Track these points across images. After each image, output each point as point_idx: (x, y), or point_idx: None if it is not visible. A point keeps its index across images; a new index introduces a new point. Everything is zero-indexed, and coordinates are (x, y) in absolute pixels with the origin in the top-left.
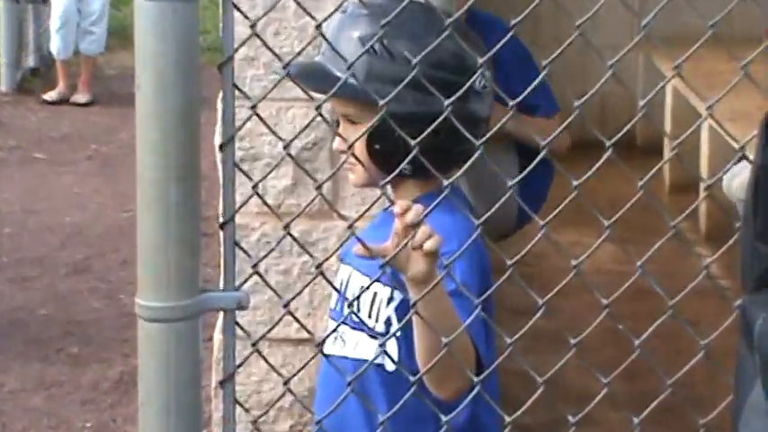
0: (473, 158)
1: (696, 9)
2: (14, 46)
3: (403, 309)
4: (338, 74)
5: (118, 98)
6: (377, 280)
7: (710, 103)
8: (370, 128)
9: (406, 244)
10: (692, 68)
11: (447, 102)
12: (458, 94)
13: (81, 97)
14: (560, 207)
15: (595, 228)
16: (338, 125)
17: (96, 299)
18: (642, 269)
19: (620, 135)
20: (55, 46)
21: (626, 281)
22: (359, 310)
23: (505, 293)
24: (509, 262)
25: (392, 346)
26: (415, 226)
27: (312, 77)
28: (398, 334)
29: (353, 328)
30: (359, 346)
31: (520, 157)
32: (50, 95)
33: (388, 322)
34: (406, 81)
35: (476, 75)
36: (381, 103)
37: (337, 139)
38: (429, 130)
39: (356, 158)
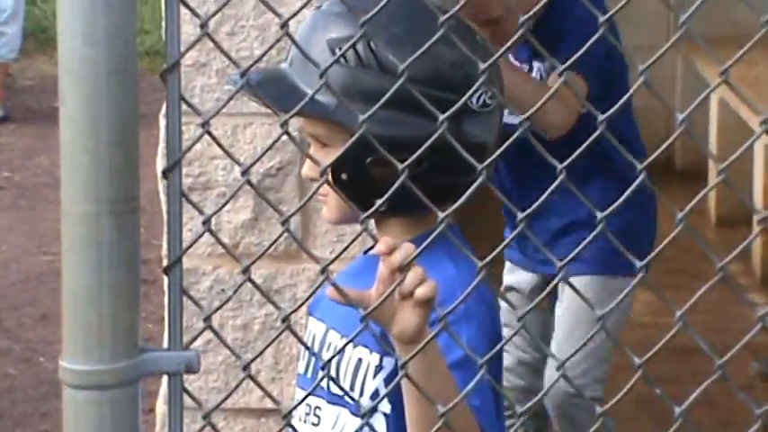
0: (473, 187)
1: (747, 2)
2: None
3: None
4: (305, 89)
5: (35, 114)
6: (351, 341)
7: (766, 117)
8: (339, 153)
9: (392, 291)
10: (742, 75)
11: (439, 121)
12: (447, 113)
13: None
14: (582, 245)
15: None
16: (309, 146)
17: (9, 362)
18: (683, 321)
19: (654, 156)
20: None
21: (664, 336)
22: (338, 380)
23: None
24: (519, 314)
25: (380, 425)
26: (404, 269)
27: (273, 92)
28: (387, 409)
29: (331, 403)
30: (338, 426)
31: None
32: None
33: (375, 396)
34: (384, 99)
35: (471, 90)
36: (361, 118)
37: (307, 163)
38: (412, 158)
39: (331, 187)
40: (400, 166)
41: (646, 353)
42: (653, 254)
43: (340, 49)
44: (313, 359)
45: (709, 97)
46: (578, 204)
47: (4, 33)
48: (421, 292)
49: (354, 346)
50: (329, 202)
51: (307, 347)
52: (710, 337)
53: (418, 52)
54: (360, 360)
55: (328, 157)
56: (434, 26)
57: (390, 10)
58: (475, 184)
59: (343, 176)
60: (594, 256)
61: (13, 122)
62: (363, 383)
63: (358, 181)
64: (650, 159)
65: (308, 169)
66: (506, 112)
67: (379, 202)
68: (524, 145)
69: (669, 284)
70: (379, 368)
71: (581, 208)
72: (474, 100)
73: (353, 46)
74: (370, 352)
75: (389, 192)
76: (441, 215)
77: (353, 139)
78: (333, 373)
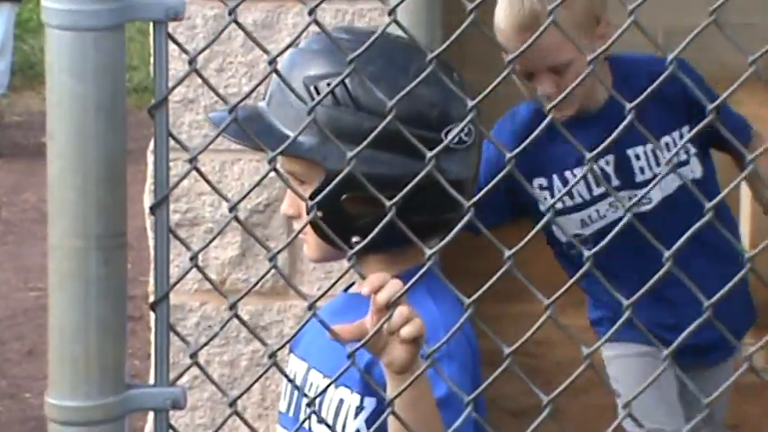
0: (460, 225)
1: (734, 43)
2: None
3: (376, 420)
4: (281, 128)
5: (23, 150)
6: (335, 380)
7: (750, 158)
8: (313, 191)
9: (380, 328)
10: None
11: (427, 159)
12: (433, 152)
13: None
14: (570, 283)
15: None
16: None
17: None
18: (669, 361)
19: (641, 196)
20: None
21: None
22: (320, 421)
23: (502, 391)
24: (506, 350)
25: None
26: (391, 306)
27: (250, 130)
28: None
29: None
30: None
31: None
32: None
33: None
34: (368, 140)
35: (456, 129)
36: (346, 159)
37: (286, 200)
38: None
39: (312, 227)
40: (388, 203)
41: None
42: (639, 293)
43: (316, 87)
44: (295, 397)
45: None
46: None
47: None
48: (406, 331)
49: (336, 387)
50: (309, 240)
51: (294, 385)
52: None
53: (403, 92)
54: (341, 401)
55: (307, 194)
56: (409, 63)
57: (372, 49)
58: (462, 222)
59: (319, 214)
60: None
61: (1, 158)
62: (344, 424)
63: (333, 218)
64: (635, 201)
65: (286, 207)
66: (610, 208)
67: (363, 240)
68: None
69: None
70: (360, 408)
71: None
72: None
73: (330, 85)
74: (351, 392)
75: (375, 230)
76: (428, 252)
77: (339, 177)
78: (313, 412)
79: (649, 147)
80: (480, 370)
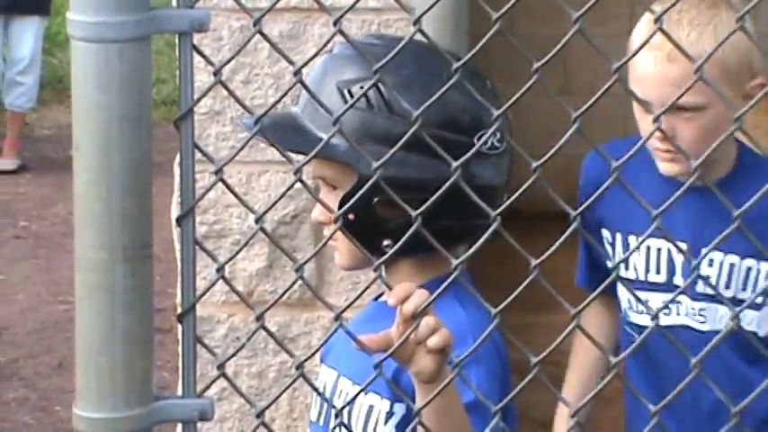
0: (487, 234)
1: (763, 50)
2: None
3: (406, 426)
4: (316, 131)
5: (52, 163)
6: (365, 388)
7: None
8: (345, 192)
9: (406, 338)
10: (757, 122)
11: (453, 167)
12: (461, 159)
13: (7, 163)
14: (597, 291)
15: None
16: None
17: (25, 411)
18: (699, 370)
19: (666, 205)
20: None
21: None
22: (350, 427)
23: (530, 400)
24: (533, 360)
25: None
26: (418, 315)
27: (284, 135)
28: None
29: None
30: None
31: None
32: None
33: None
34: (400, 144)
35: (488, 134)
36: (375, 166)
37: (317, 207)
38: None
39: (342, 233)
40: (414, 213)
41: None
42: (667, 301)
43: (349, 90)
44: (325, 407)
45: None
46: None
47: (21, 83)
48: (433, 341)
49: (366, 393)
50: (340, 247)
51: (320, 394)
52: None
53: (434, 98)
54: (371, 407)
55: (337, 200)
56: (441, 69)
57: (398, 53)
58: (489, 231)
59: (350, 217)
60: None
61: (30, 172)
62: (375, 430)
63: (365, 222)
64: (662, 210)
65: (317, 213)
66: (681, 313)
67: (390, 248)
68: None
69: None
70: (390, 414)
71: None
72: (484, 142)
73: (363, 89)
74: (381, 398)
75: (404, 238)
76: (454, 262)
77: (368, 184)
78: (345, 420)
79: (734, 260)
80: (510, 378)
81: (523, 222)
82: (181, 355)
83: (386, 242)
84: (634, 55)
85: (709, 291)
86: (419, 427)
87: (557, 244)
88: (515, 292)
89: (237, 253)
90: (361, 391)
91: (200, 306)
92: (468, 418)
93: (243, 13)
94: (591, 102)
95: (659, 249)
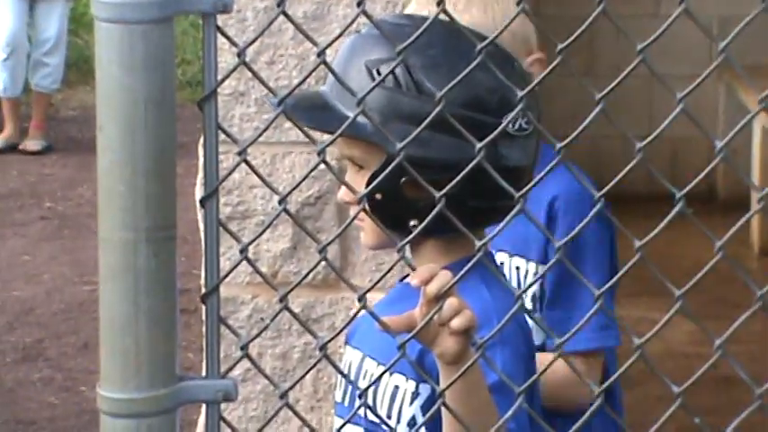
0: (512, 215)
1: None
2: None
3: (431, 406)
4: (343, 110)
5: (78, 144)
6: (389, 368)
7: None
8: (373, 172)
9: (430, 318)
10: None
11: (477, 148)
12: (485, 140)
13: (32, 144)
14: (621, 273)
15: (667, 301)
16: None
17: (51, 391)
18: (722, 350)
19: (693, 184)
20: (0, 81)
21: (706, 366)
22: (375, 408)
23: None
24: (557, 341)
25: None
26: (441, 297)
27: (312, 114)
28: None
29: (369, 431)
30: None
31: None
32: None
33: (412, 423)
34: (426, 123)
35: (512, 115)
36: (399, 146)
37: (342, 187)
38: (454, 180)
39: (366, 213)
40: (437, 194)
41: (685, 383)
42: (690, 282)
43: (377, 70)
44: (350, 387)
45: (751, 126)
46: None
47: (46, 64)
48: (457, 323)
49: (391, 374)
50: (366, 226)
51: (344, 375)
52: (751, 368)
53: (459, 77)
54: (396, 387)
55: (364, 180)
56: (469, 50)
57: (427, 33)
58: (513, 212)
59: (378, 197)
60: None
61: (56, 153)
62: (400, 411)
63: (392, 201)
64: (689, 188)
65: (342, 194)
66: None
67: (416, 228)
68: None
69: (710, 314)
70: (415, 395)
71: None
72: (510, 124)
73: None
74: (407, 379)
75: (427, 219)
76: (478, 243)
77: (395, 163)
78: (370, 401)
79: (503, 258)
80: (535, 360)
81: None
82: (204, 336)
83: (412, 222)
84: (660, 35)
85: None
86: (443, 408)
87: (581, 224)
88: (541, 274)
89: (261, 234)
90: (386, 371)
91: (225, 287)
92: (492, 400)
93: None
94: (615, 82)
95: (502, 263)
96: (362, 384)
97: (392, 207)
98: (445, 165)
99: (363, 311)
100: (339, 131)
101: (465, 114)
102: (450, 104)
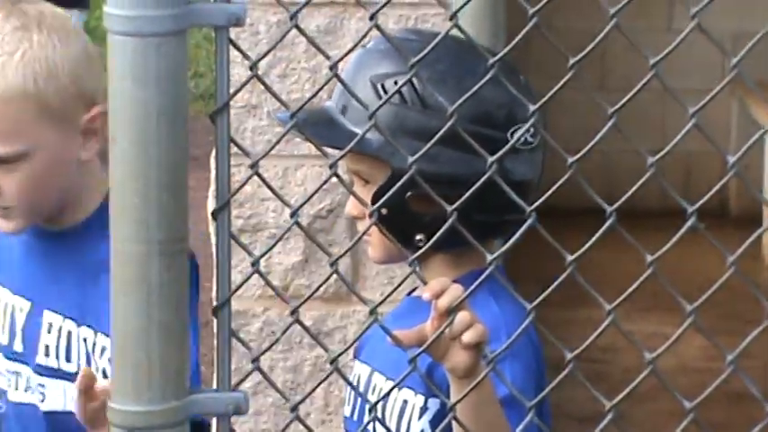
0: (523, 229)
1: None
2: None
3: (440, 421)
4: (348, 125)
5: None
6: (399, 383)
7: None
8: (378, 187)
9: (441, 333)
10: None
11: (488, 163)
12: (496, 155)
13: None
14: (632, 288)
15: (679, 316)
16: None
17: None
18: (734, 365)
19: (705, 199)
20: None
21: (719, 382)
22: (384, 422)
23: (567, 396)
24: (569, 356)
25: None
26: (452, 311)
27: (318, 130)
28: None
29: None
30: None
31: None
32: None
33: None
34: (435, 140)
35: (522, 130)
36: (411, 160)
37: (350, 200)
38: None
39: (377, 227)
40: (449, 208)
41: (697, 399)
42: (703, 297)
43: (383, 85)
44: (359, 402)
45: (764, 141)
46: None
47: None
48: (468, 337)
49: (399, 389)
50: (373, 241)
51: (355, 389)
52: (765, 384)
53: (468, 93)
54: (405, 402)
55: (370, 195)
56: (476, 65)
57: (434, 48)
58: (524, 227)
59: (383, 211)
60: None
61: None
62: (409, 426)
63: (398, 216)
64: (701, 203)
65: (350, 207)
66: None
67: (423, 243)
68: None
69: (722, 329)
70: (424, 410)
71: None
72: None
73: (397, 83)
74: (415, 394)
75: (439, 232)
76: (489, 257)
77: (406, 176)
78: (379, 416)
79: (71, 327)
80: (545, 373)
81: (559, 218)
82: (216, 348)
83: (419, 237)
84: (672, 50)
85: (52, 363)
86: (454, 423)
87: (593, 239)
88: (551, 288)
89: (273, 247)
90: (396, 386)
91: (236, 300)
92: (503, 414)
93: (280, 7)
94: (627, 97)
95: (6, 304)
96: (371, 399)
97: (398, 221)
98: (453, 179)
99: (374, 325)
100: (348, 147)
101: (473, 129)
102: (459, 119)
